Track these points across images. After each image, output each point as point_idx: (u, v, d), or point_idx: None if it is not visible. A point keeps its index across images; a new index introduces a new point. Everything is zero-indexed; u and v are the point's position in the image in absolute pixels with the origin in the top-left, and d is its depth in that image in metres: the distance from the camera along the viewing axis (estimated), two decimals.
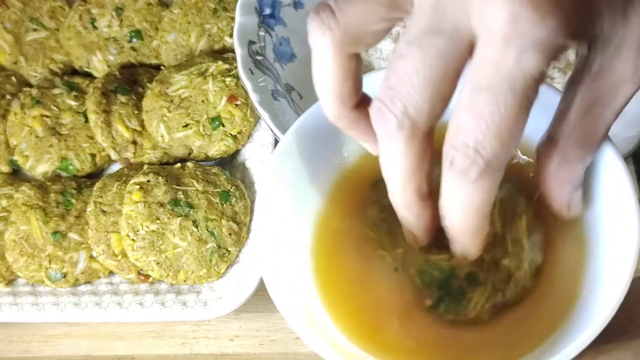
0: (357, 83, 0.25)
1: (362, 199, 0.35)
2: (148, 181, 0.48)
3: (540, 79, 0.20)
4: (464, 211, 0.22)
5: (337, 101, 0.25)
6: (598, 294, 0.28)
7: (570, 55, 0.50)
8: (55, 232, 0.49)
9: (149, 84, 0.53)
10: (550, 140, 0.25)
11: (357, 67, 0.25)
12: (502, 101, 0.20)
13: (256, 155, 0.51)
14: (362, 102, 0.26)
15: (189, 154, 0.52)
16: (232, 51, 0.50)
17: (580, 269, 0.31)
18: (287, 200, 0.33)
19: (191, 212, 0.48)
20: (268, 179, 0.32)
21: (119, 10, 0.56)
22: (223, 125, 0.51)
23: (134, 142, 0.52)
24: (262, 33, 0.50)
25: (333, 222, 0.35)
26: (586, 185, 0.28)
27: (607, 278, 0.27)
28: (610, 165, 0.27)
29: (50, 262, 0.49)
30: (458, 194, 0.22)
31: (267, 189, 0.32)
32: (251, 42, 0.49)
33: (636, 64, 0.23)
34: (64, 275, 0.49)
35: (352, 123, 0.26)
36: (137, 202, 0.48)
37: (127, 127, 0.52)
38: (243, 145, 0.52)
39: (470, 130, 0.20)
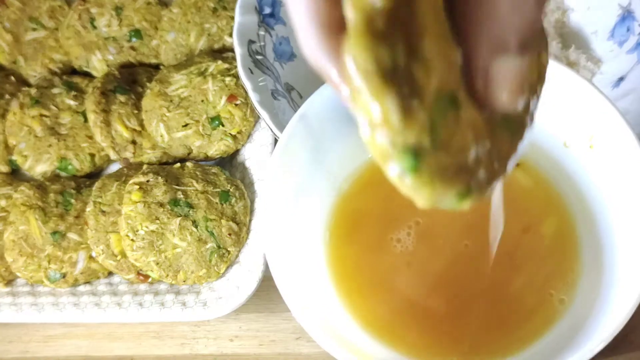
0: None
1: (379, 187, 0.34)
2: (147, 181, 0.48)
3: None
4: None
5: (319, 27, 0.18)
6: (607, 303, 0.28)
7: (571, 54, 0.50)
8: (54, 232, 0.49)
9: (148, 84, 0.53)
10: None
11: None
12: None
13: (256, 155, 0.51)
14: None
15: (189, 153, 0.52)
16: (232, 50, 0.50)
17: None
18: (296, 184, 0.33)
19: (191, 212, 0.48)
20: (273, 168, 0.31)
21: (118, 9, 0.56)
22: (223, 125, 0.51)
23: (134, 142, 0.52)
24: (262, 32, 0.50)
25: (347, 210, 0.35)
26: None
27: (619, 290, 0.27)
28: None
29: (49, 262, 0.49)
30: None
31: (273, 176, 0.31)
32: (251, 42, 0.49)
33: None
34: (63, 276, 0.49)
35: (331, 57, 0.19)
36: (137, 202, 0.47)
37: (127, 127, 0.52)
38: (243, 145, 0.52)
39: None
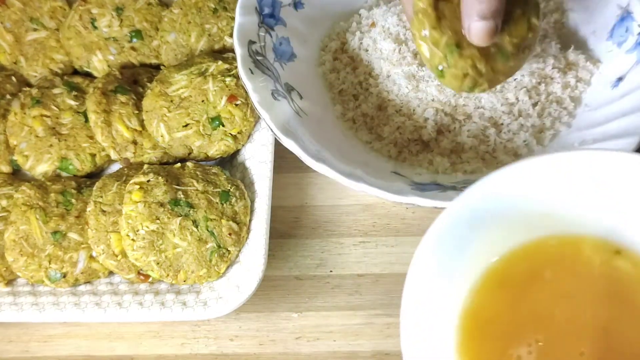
0: None
1: (509, 295, 0.35)
2: (148, 181, 0.49)
3: None
4: None
5: None
6: None
7: (570, 55, 0.50)
8: (55, 232, 0.49)
9: (149, 84, 0.53)
10: None
11: None
12: None
13: (256, 155, 0.51)
14: None
15: (189, 153, 0.52)
16: (232, 51, 0.50)
17: None
18: (436, 284, 0.34)
19: (191, 212, 0.48)
20: (423, 259, 0.33)
21: (119, 10, 0.56)
22: (223, 125, 0.51)
23: (134, 142, 0.52)
24: (262, 33, 0.50)
25: (479, 314, 0.35)
26: None
27: None
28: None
29: (50, 262, 0.49)
30: None
31: (418, 271, 0.33)
32: (251, 42, 0.49)
33: None
34: (64, 275, 0.49)
35: None
36: (137, 202, 0.48)
37: (127, 127, 0.52)
38: (243, 145, 0.52)
39: None
